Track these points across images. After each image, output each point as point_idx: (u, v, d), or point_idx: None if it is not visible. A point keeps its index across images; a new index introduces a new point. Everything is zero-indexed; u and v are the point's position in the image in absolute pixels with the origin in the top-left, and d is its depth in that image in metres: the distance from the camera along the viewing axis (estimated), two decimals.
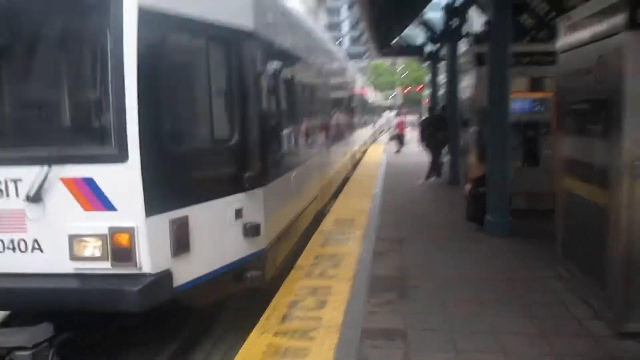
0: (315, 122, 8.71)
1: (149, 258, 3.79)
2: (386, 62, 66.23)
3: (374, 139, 30.29)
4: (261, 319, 4.58)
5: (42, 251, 3.83)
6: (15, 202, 3.79)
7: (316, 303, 4.91)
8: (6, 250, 3.84)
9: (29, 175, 3.73)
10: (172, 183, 4.07)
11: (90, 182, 3.74)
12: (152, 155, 3.81)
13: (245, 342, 4.15)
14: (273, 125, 5.47)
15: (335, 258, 6.36)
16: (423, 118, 18.36)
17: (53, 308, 3.81)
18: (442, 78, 18.16)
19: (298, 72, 6.97)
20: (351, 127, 15.41)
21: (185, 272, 4.10)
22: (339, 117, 12.31)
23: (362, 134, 20.68)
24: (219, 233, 4.48)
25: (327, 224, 8.33)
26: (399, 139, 23.67)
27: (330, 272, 5.82)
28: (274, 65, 5.23)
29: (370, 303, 4.96)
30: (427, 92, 39.42)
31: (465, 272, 5.85)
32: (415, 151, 20.82)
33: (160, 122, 3.96)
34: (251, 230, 4.70)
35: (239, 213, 4.63)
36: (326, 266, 6.05)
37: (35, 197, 3.72)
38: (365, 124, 22.62)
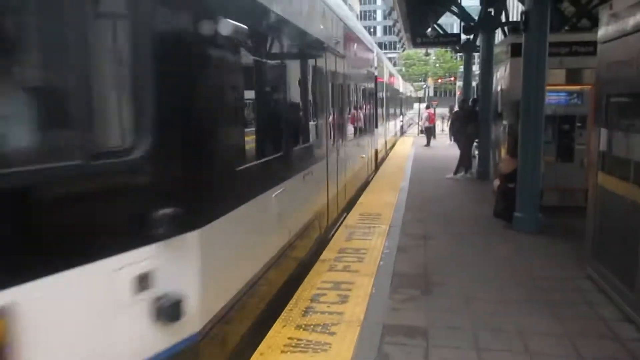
0: (309, 113, 6.14)
1: None
2: (419, 52, 65.37)
3: (403, 132, 30.01)
4: (283, 311, 4.62)
5: None
6: None
7: (338, 297, 4.91)
8: None
9: None
10: None
11: None
12: None
13: (267, 334, 4.19)
14: (222, 120, 3.44)
15: (359, 252, 6.35)
16: (454, 110, 18.06)
17: None
18: (476, 69, 17.81)
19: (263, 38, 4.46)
20: (374, 120, 13.43)
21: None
22: (354, 109, 10.03)
23: (390, 127, 20.38)
24: (95, 323, 2.41)
25: (352, 218, 8.31)
26: (429, 131, 23.36)
27: (354, 267, 5.81)
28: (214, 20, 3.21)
29: (393, 299, 4.94)
30: (459, 83, 38.84)
31: (491, 270, 5.76)
32: (445, 144, 20.56)
33: None
34: (169, 310, 2.68)
35: (143, 281, 2.60)
36: (350, 260, 6.04)
37: None
38: (393, 116, 22.30)
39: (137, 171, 2.58)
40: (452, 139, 16.84)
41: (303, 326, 4.30)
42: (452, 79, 64.10)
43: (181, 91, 2.86)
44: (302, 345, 3.98)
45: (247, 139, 3.99)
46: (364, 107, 11.59)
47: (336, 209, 7.66)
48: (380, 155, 15.30)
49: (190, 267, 2.89)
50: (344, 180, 8.35)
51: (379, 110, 15.10)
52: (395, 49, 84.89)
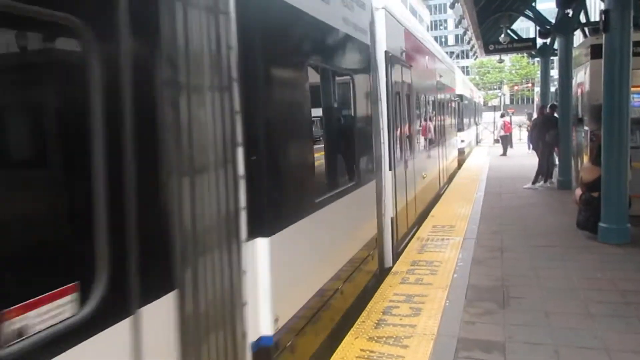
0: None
1: None
2: (492, 59, 63.48)
3: (477, 141, 29.17)
4: (356, 323, 4.65)
5: None
6: None
7: (411, 310, 4.87)
8: None
9: None
10: None
11: None
12: None
13: (340, 345, 4.24)
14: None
15: (432, 265, 6.26)
16: (533, 117, 17.33)
17: None
18: (554, 74, 17.04)
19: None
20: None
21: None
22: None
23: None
24: None
25: (425, 230, 8.20)
26: (505, 140, 22.54)
27: (427, 279, 5.73)
28: None
29: (468, 312, 4.82)
30: (537, 89, 37.21)
31: (574, 283, 5.48)
32: (523, 153, 19.76)
33: None
34: None
35: None
36: (422, 273, 5.97)
37: None
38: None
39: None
40: (531, 147, 16.19)
41: (375, 338, 4.30)
42: (530, 85, 61.55)
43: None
44: (375, 357, 3.99)
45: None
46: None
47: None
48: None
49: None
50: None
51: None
52: (467, 57, 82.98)
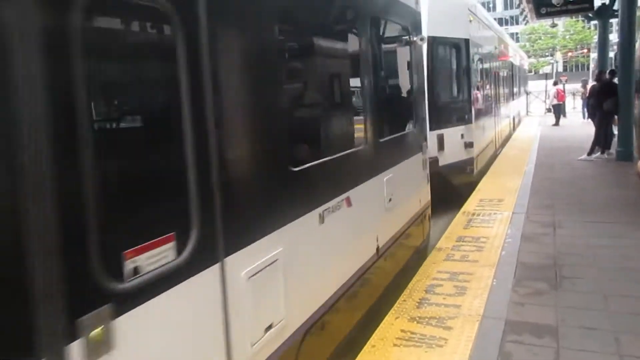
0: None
1: None
2: (544, 24, 60.21)
3: (527, 112, 27.96)
4: (397, 302, 4.45)
5: None
6: None
7: (455, 289, 4.62)
8: None
9: None
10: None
11: None
12: None
13: (380, 325, 4.06)
14: None
15: (478, 241, 5.95)
16: (589, 85, 16.31)
17: None
18: (614, 38, 15.93)
19: None
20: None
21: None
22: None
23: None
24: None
25: (471, 204, 7.85)
26: (557, 110, 21.42)
27: (473, 257, 5.45)
28: None
29: (517, 293, 4.53)
30: (593, 55, 35.16)
31: (635, 263, 5.06)
32: (577, 123, 18.77)
33: None
34: None
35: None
36: (468, 249, 5.69)
37: None
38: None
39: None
40: (587, 115, 15.32)
41: (417, 319, 4.10)
42: (585, 51, 58.37)
43: None
44: (416, 339, 3.79)
45: None
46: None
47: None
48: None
49: None
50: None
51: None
52: (517, 23, 79.23)
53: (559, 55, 54.97)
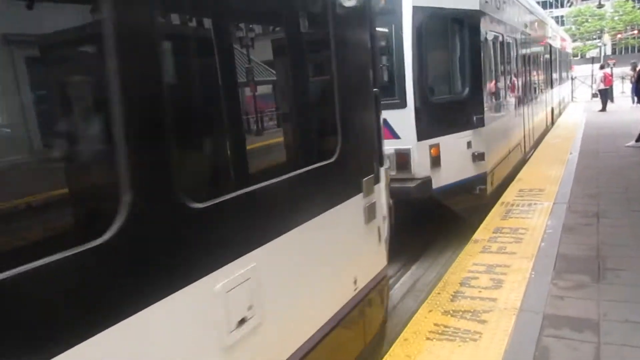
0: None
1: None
2: (590, 6, 57.67)
3: (571, 98, 26.94)
4: (430, 294, 4.39)
5: None
6: None
7: (491, 282, 4.52)
8: None
9: None
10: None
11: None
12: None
13: (413, 318, 4.02)
14: None
15: (517, 232, 5.79)
16: (638, 67, 15.55)
17: None
18: None
19: None
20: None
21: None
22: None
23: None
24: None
25: (510, 194, 7.64)
26: (604, 94, 20.52)
27: (510, 248, 5.31)
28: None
29: (556, 286, 4.38)
30: None
31: None
32: (625, 108, 17.95)
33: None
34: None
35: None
36: (506, 241, 5.54)
37: None
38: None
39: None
40: (636, 100, 14.63)
41: (451, 312, 4.03)
42: (635, 32, 55.67)
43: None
44: (449, 332, 3.72)
45: None
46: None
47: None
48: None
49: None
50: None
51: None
52: (562, 6, 76.32)
53: (606, 38, 52.51)
